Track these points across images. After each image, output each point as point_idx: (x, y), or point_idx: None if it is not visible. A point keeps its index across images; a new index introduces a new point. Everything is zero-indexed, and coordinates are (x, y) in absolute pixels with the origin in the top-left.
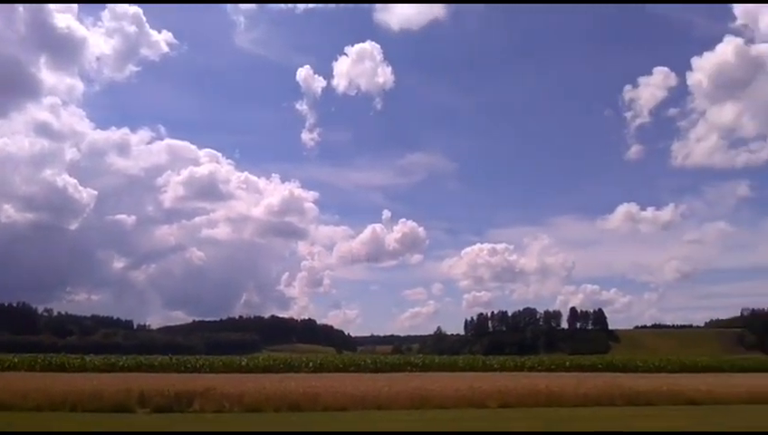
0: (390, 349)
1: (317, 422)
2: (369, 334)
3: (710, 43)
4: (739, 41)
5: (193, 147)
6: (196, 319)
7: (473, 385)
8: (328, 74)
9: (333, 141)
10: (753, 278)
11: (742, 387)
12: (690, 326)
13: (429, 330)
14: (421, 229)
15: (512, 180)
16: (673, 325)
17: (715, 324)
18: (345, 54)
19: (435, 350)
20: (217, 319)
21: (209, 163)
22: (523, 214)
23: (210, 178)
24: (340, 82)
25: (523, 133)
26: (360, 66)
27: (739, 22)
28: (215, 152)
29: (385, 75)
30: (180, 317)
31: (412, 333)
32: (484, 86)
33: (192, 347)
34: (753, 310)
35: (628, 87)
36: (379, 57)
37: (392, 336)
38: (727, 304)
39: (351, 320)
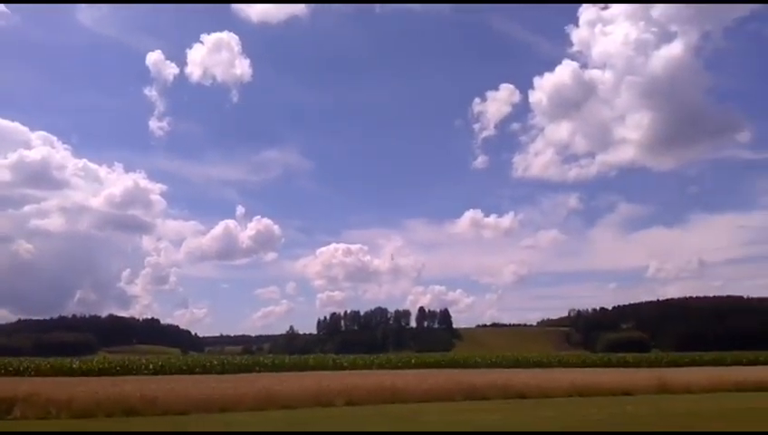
0: (240, 349)
1: (153, 427)
2: (218, 334)
3: (551, 65)
4: (575, 65)
5: (24, 128)
6: (23, 317)
7: (321, 384)
8: (181, 61)
9: (184, 132)
10: (580, 282)
11: (565, 381)
12: (524, 325)
13: (282, 329)
14: (276, 227)
15: (367, 182)
16: (510, 324)
17: (546, 324)
18: (201, 42)
19: (286, 350)
20: (47, 318)
21: (42, 147)
22: (377, 216)
23: (43, 163)
24: (194, 71)
25: (378, 137)
26: (216, 56)
27: (576, 48)
28: (49, 135)
29: (242, 68)
30: (3, 315)
31: (264, 333)
32: (343, 87)
33: (18, 348)
34: (578, 311)
35: (477, 100)
36: (237, 48)
37: (243, 336)
38: (557, 306)
39: (199, 319)
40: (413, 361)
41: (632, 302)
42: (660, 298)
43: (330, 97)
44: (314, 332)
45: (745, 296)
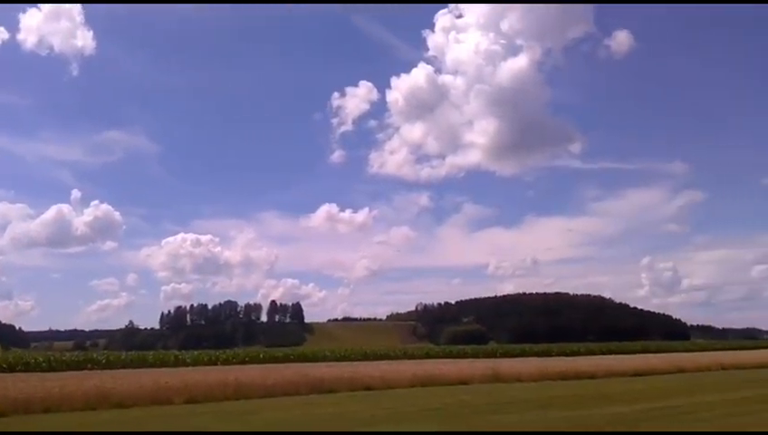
0: (72, 345)
1: None
2: (47, 329)
3: (407, 67)
4: (430, 69)
5: None
6: None
7: (159, 381)
8: (12, 27)
9: (12, 104)
10: (428, 277)
11: (408, 372)
12: (375, 319)
13: (120, 324)
14: (117, 214)
15: (219, 171)
16: (360, 318)
17: (394, 318)
18: (37, 8)
19: (124, 346)
20: None
21: None
22: (230, 206)
23: None
24: (27, 38)
25: (234, 124)
26: (54, 24)
27: (431, 53)
28: None
29: (85, 39)
30: None
31: (100, 328)
32: (199, 70)
33: None
34: (425, 305)
35: (336, 95)
36: (80, 19)
37: (75, 331)
38: (406, 300)
39: (25, 312)
40: (261, 356)
41: (473, 297)
42: (498, 294)
43: (183, 79)
44: (157, 327)
45: (571, 293)
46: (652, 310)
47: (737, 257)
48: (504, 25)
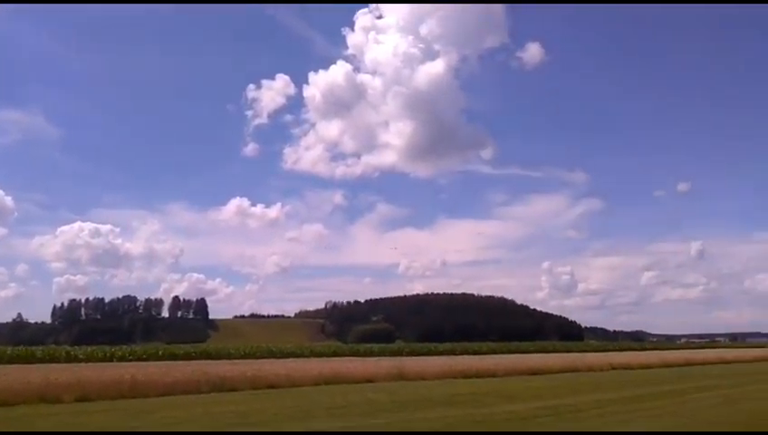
0: None
1: None
2: None
3: (326, 63)
4: (349, 67)
5: None
6: None
7: (48, 378)
8: None
9: None
10: (338, 275)
11: (314, 370)
12: (283, 316)
13: (7, 317)
14: (9, 199)
15: (124, 158)
16: (269, 315)
17: (303, 315)
18: None
19: (11, 340)
20: None
21: None
22: (133, 196)
23: None
24: None
25: (142, 111)
26: None
27: (350, 51)
28: None
29: None
30: None
31: None
32: (108, 53)
33: None
34: (335, 303)
35: (252, 86)
36: None
37: None
38: (315, 297)
39: None
40: (161, 352)
41: (383, 296)
42: (407, 293)
43: (90, 61)
44: (48, 320)
45: (476, 294)
46: (550, 312)
47: (629, 264)
48: (424, 29)
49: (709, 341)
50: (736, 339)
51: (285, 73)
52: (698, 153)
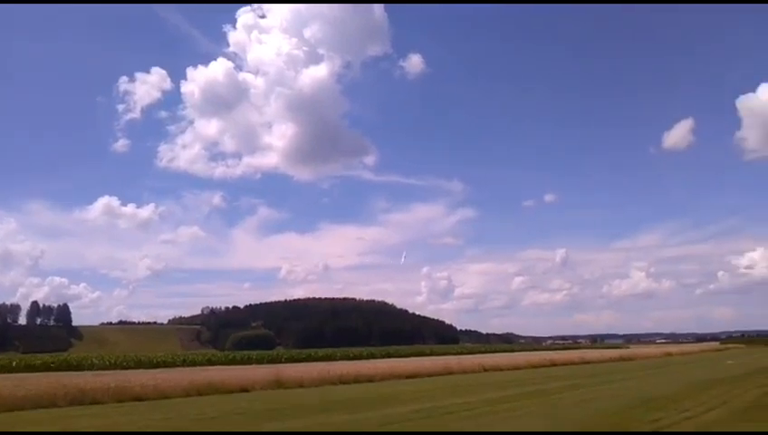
0: None
1: None
2: None
3: (206, 60)
4: (230, 65)
5: None
6: None
7: None
8: None
9: None
10: (217, 280)
11: (185, 380)
12: (155, 323)
13: None
14: None
15: None
16: (139, 322)
17: (177, 322)
18: None
19: None
20: None
21: None
22: None
23: None
24: None
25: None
26: None
27: (232, 49)
28: None
29: None
30: None
31: None
32: None
33: None
34: (212, 309)
35: (124, 78)
36: None
37: None
38: (190, 303)
39: None
40: (14, 363)
41: (263, 301)
42: (288, 298)
43: None
44: None
45: (358, 299)
46: (428, 315)
47: (501, 270)
48: (307, 32)
49: (572, 342)
50: (596, 340)
51: (163, 67)
52: (564, 167)
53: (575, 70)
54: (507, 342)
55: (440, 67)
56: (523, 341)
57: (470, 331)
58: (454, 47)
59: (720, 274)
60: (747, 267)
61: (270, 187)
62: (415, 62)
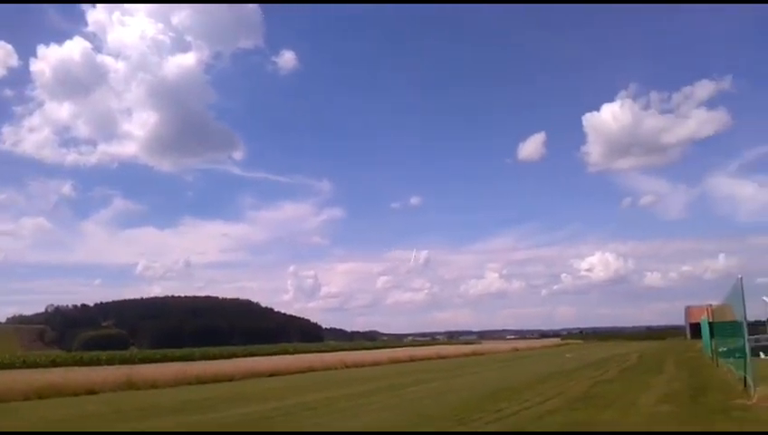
0: None
1: None
2: None
3: (60, 37)
4: (88, 45)
5: None
6: None
7: None
8: None
9: None
10: (63, 276)
11: (24, 383)
12: None
13: None
14: None
15: None
16: None
17: (18, 320)
18: None
19: None
20: None
21: None
22: None
23: None
24: None
25: None
26: None
27: (90, 28)
28: None
29: None
30: None
31: None
32: None
33: None
34: (57, 307)
35: None
36: None
37: None
38: (33, 300)
39: None
40: None
41: (116, 299)
42: (144, 296)
43: None
44: None
45: (220, 297)
46: (294, 314)
47: (366, 269)
48: (175, 19)
49: (431, 339)
50: (453, 337)
51: (7, 42)
52: (429, 172)
53: (442, 83)
54: (371, 339)
55: (314, 65)
56: (385, 338)
57: (335, 329)
58: (328, 47)
59: (563, 275)
60: (587, 270)
61: (127, 177)
62: (288, 59)
